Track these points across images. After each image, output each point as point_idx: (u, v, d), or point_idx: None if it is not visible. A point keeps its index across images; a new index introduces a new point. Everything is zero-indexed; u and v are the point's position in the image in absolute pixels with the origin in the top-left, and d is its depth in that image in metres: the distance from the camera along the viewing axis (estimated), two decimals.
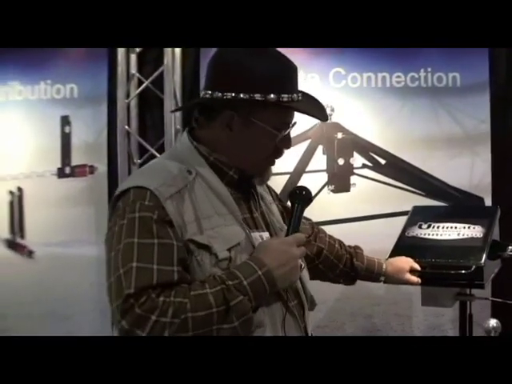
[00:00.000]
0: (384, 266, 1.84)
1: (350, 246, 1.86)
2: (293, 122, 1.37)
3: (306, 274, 1.44)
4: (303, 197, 1.38)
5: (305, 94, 1.38)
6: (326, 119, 1.42)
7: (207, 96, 1.33)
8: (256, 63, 1.30)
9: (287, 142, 1.36)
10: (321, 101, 1.41)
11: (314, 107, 1.38)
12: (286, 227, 1.41)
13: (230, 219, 1.30)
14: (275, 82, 1.30)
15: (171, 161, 1.34)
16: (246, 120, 1.31)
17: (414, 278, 1.85)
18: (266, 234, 1.38)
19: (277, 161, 1.40)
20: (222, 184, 1.33)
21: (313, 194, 1.42)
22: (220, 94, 1.30)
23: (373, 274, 1.83)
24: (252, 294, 1.20)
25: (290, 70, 1.34)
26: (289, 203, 1.44)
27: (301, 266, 1.32)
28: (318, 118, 1.40)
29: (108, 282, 1.21)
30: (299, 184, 2.95)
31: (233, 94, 1.29)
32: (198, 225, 1.25)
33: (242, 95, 1.28)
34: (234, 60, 1.31)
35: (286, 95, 1.30)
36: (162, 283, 1.17)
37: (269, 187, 1.58)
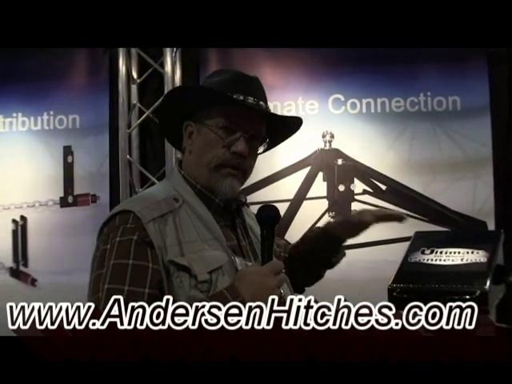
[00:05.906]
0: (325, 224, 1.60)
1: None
2: (247, 126, 1.33)
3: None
4: (266, 220, 1.28)
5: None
6: (266, 113, 1.35)
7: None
8: (212, 77, 1.39)
9: (238, 145, 1.33)
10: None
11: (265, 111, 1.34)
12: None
13: (213, 244, 1.31)
14: (223, 84, 1.34)
15: (162, 188, 1.39)
16: (200, 125, 1.35)
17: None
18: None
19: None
20: (208, 212, 1.35)
21: (314, 220, 1.34)
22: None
23: (322, 239, 1.55)
24: None
25: (244, 77, 1.37)
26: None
27: (281, 293, 1.26)
28: (261, 112, 1.34)
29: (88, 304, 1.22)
30: (302, 209, 2.91)
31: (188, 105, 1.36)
32: (180, 248, 1.27)
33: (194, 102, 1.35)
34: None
35: (231, 94, 1.31)
36: None
37: None
